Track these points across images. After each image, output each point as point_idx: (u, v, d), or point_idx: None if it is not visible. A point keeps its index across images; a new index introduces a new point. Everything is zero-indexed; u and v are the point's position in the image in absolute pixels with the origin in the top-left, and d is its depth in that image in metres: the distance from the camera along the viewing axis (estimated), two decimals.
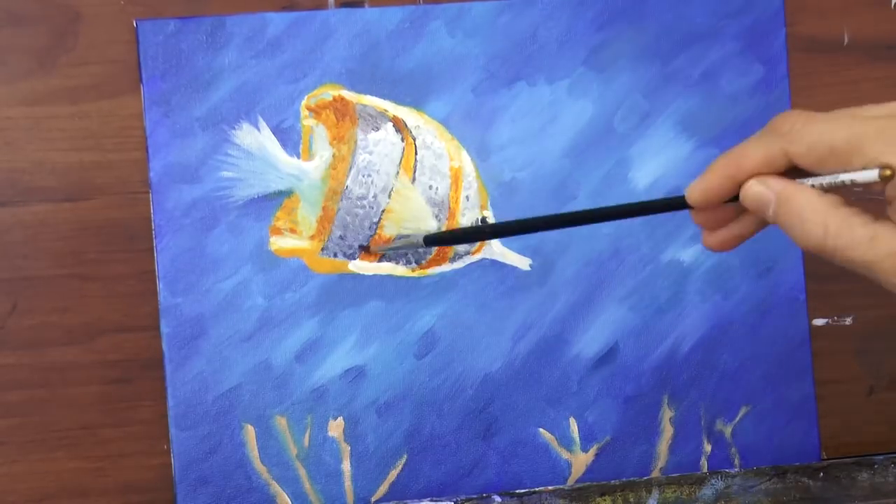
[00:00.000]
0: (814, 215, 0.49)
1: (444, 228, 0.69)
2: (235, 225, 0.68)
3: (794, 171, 0.51)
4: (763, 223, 0.54)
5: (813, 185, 0.50)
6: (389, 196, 0.69)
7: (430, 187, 0.69)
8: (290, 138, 0.68)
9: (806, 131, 0.50)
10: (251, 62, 0.68)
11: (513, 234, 0.68)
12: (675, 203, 0.54)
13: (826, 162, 0.49)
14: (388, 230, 0.69)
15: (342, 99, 0.69)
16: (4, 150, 0.67)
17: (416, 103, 0.69)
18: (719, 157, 0.52)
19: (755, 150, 0.51)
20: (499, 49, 0.70)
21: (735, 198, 0.52)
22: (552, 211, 0.70)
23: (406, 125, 0.69)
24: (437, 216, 0.69)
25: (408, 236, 0.68)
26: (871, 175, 0.48)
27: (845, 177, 0.49)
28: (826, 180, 0.50)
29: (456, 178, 0.70)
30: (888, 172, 0.47)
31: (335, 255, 0.69)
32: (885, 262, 0.48)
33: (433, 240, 0.67)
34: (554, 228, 0.64)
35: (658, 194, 0.71)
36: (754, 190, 0.51)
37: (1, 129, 0.67)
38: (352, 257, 0.69)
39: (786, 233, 0.51)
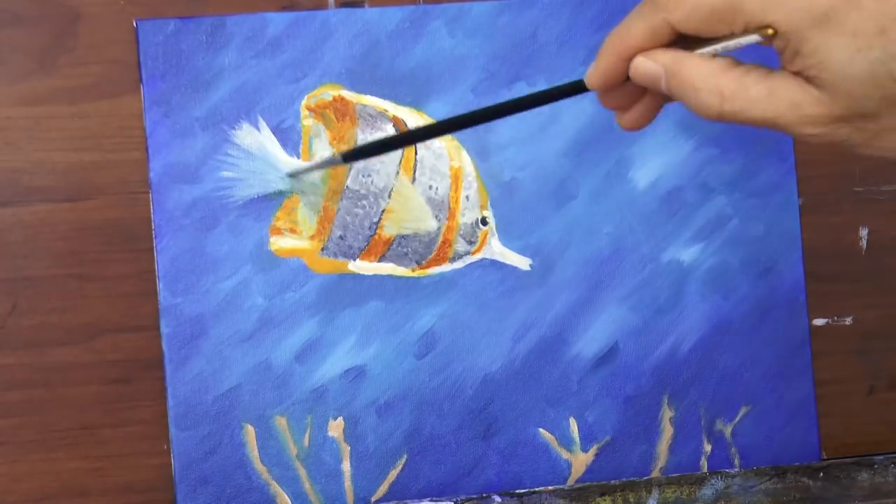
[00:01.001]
0: (705, 82, 0.48)
1: (444, 228, 0.69)
2: (235, 225, 0.68)
3: (681, 43, 0.50)
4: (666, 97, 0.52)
5: (701, 54, 0.49)
6: (389, 196, 0.69)
7: (430, 187, 0.69)
8: (290, 138, 0.68)
9: None
10: (251, 62, 0.68)
11: (429, 137, 0.66)
12: (577, 87, 0.53)
13: (709, 25, 0.48)
14: (388, 230, 0.69)
15: (342, 99, 0.69)
16: (4, 150, 0.67)
17: (416, 103, 0.69)
18: (606, 37, 0.51)
19: (637, 25, 0.50)
20: (499, 49, 0.70)
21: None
22: (552, 212, 0.70)
23: (406, 125, 0.69)
24: (437, 216, 0.69)
25: (326, 160, 0.67)
26: (753, 38, 0.47)
27: (729, 44, 0.48)
28: (709, 49, 0.48)
29: (456, 178, 0.70)
30: (770, 31, 0.46)
31: (335, 255, 0.69)
32: (787, 114, 0.47)
33: (350, 155, 0.64)
34: (470, 125, 0.61)
35: (658, 194, 0.71)
36: (642, 66, 0.50)
37: (1, 129, 0.67)
38: (352, 257, 0.69)
39: (683, 104, 0.50)
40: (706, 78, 0.48)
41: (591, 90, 0.53)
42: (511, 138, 0.70)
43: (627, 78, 0.51)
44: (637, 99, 0.53)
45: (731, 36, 0.48)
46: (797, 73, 0.47)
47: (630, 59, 0.51)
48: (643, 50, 0.50)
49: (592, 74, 0.52)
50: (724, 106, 0.48)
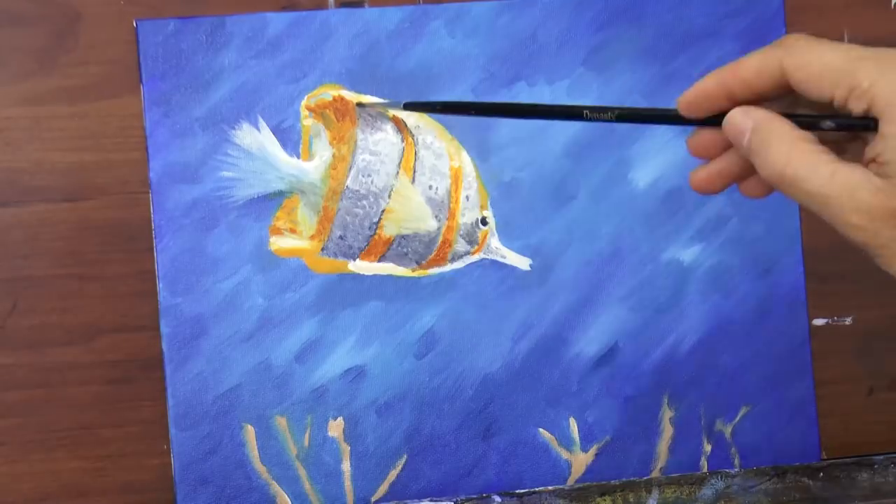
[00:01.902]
0: (781, 143, 0.49)
1: (444, 228, 0.69)
2: (235, 225, 0.68)
3: (785, 101, 0.51)
4: (747, 165, 0.52)
5: (794, 120, 0.50)
6: (389, 196, 0.69)
7: (430, 187, 0.69)
8: (290, 138, 0.68)
9: (807, 47, 0.49)
10: (251, 62, 0.68)
11: (497, 115, 0.66)
12: (670, 115, 0.53)
13: (817, 80, 0.48)
14: (388, 230, 0.69)
15: (342, 99, 0.69)
16: (4, 150, 0.67)
17: None
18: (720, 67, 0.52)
19: (753, 58, 0.50)
20: (499, 49, 0.70)
21: (720, 120, 0.52)
22: (552, 212, 0.70)
23: (406, 125, 0.69)
24: (437, 216, 0.69)
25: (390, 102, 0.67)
26: (852, 121, 0.47)
27: (826, 122, 0.49)
28: (806, 116, 0.49)
29: (456, 178, 0.70)
30: (872, 124, 0.47)
31: (335, 255, 0.69)
32: (841, 195, 0.47)
33: (412, 105, 0.65)
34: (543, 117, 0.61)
35: (658, 194, 0.71)
36: (735, 117, 0.51)
37: (1, 129, 0.67)
38: (352, 257, 0.69)
39: (753, 162, 0.50)
40: (784, 139, 0.49)
41: (681, 112, 0.53)
42: (511, 138, 0.70)
43: (714, 113, 0.52)
44: (716, 154, 0.53)
45: (832, 114, 0.48)
46: (871, 161, 0.47)
47: (732, 89, 0.51)
48: (747, 82, 0.50)
49: (688, 92, 0.52)
50: (787, 169, 0.48)
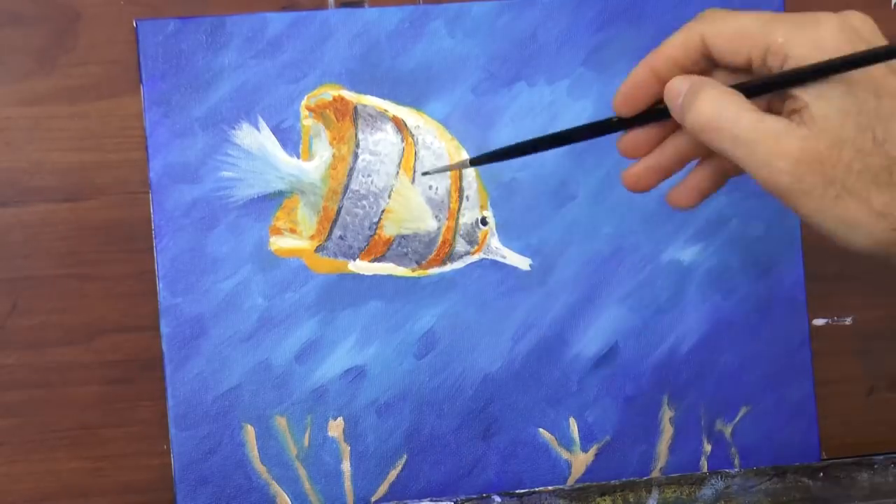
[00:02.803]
0: (711, 92, 0.50)
1: (444, 229, 0.69)
2: (235, 225, 0.68)
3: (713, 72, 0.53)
4: (685, 159, 0.55)
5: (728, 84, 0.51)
6: (389, 196, 0.69)
7: (430, 187, 0.69)
8: (290, 138, 0.68)
9: (724, 16, 0.51)
10: (251, 62, 0.68)
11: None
12: (606, 124, 0.55)
13: (736, 42, 0.50)
14: (388, 230, 0.69)
15: (342, 99, 0.69)
16: (4, 150, 0.67)
17: (416, 103, 0.69)
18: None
19: (676, 36, 0.52)
20: (499, 49, 0.70)
21: (657, 112, 0.53)
22: (552, 212, 0.70)
23: (406, 125, 0.69)
24: (437, 216, 0.69)
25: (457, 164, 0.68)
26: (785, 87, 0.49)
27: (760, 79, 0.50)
28: (743, 83, 0.51)
29: (456, 178, 0.70)
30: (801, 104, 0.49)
31: (335, 255, 0.69)
32: (767, 141, 0.49)
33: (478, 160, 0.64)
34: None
35: (658, 194, 0.71)
36: (674, 82, 0.52)
37: (1, 129, 0.67)
38: (352, 257, 0.69)
39: (684, 120, 0.51)
40: (717, 95, 0.50)
41: (619, 116, 0.55)
42: (511, 138, 0.70)
43: (651, 103, 0.53)
44: (650, 148, 0.55)
45: (770, 80, 0.50)
46: (792, 112, 0.49)
47: (660, 72, 0.53)
48: (674, 60, 0.52)
49: (620, 89, 0.54)
50: (714, 114, 0.50)
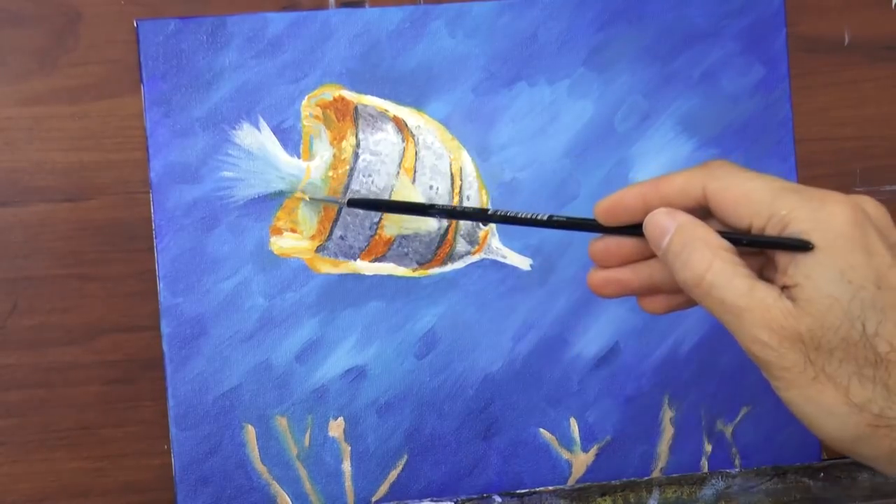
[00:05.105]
0: (704, 248, 0.49)
1: (444, 229, 0.69)
2: (236, 225, 0.68)
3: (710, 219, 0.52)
4: (656, 288, 0.54)
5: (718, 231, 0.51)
6: (390, 196, 0.69)
7: (431, 187, 0.69)
8: (290, 138, 0.68)
9: (731, 174, 0.50)
10: (251, 62, 0.68)
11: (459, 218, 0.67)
12: (586, 223, 0.54)
13: (739, 206, 0.49)
14: (389, 230, 0.69)
15: (343, 99, 0.69)
16: (4, 150, 0.67)
17: (417, 103, 0.69)
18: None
19: (678, 177, 0.51)
20: (499, 49, 0.70)
21: (636, 228, 0.52)
22: (553, 212, 0.70)
23: (407, 125, 0.69)
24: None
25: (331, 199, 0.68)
26: (783, 244, 0.48)
27: (756, 238, 0.50)
28: (732, 234, 0.50)
29: (456, 178, 0.70)
30: (811, 246, 0.48)
31: (335, 255, 0.69)
32: (755, 311, 0.48)
33: (355, 202, 0.66)
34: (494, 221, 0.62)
35: None
36: (658, 217, 0.51)
37: (1, 129, 0.67)
38: (352, 257, 0.69)
39: (669, 265, 0.50)
40: (709, 246, 0.49)
41: (598, 220, 0.54)
42: (511, 138, 0.70)
43: (631, 224, 0.53)
44: (621, 262, 0.54)
45: (764, 238, 0.49)
46: (783, 286, 0.48)
47: (651, 203, 0.52)
48: (667, 199, 0.51)
49: (606, 200, 0.53)
50: (706, 275, 0.49)
